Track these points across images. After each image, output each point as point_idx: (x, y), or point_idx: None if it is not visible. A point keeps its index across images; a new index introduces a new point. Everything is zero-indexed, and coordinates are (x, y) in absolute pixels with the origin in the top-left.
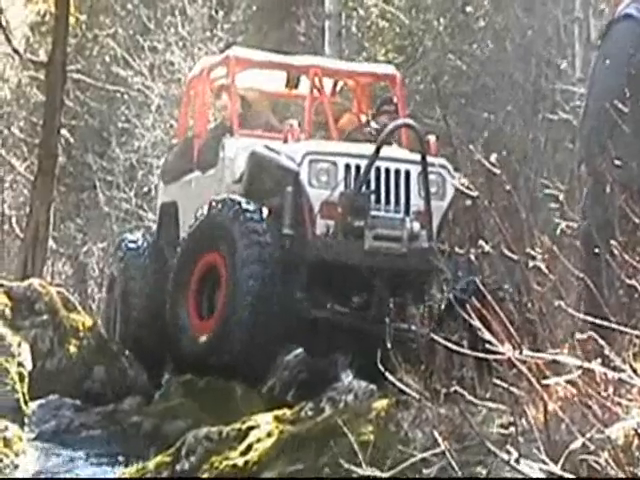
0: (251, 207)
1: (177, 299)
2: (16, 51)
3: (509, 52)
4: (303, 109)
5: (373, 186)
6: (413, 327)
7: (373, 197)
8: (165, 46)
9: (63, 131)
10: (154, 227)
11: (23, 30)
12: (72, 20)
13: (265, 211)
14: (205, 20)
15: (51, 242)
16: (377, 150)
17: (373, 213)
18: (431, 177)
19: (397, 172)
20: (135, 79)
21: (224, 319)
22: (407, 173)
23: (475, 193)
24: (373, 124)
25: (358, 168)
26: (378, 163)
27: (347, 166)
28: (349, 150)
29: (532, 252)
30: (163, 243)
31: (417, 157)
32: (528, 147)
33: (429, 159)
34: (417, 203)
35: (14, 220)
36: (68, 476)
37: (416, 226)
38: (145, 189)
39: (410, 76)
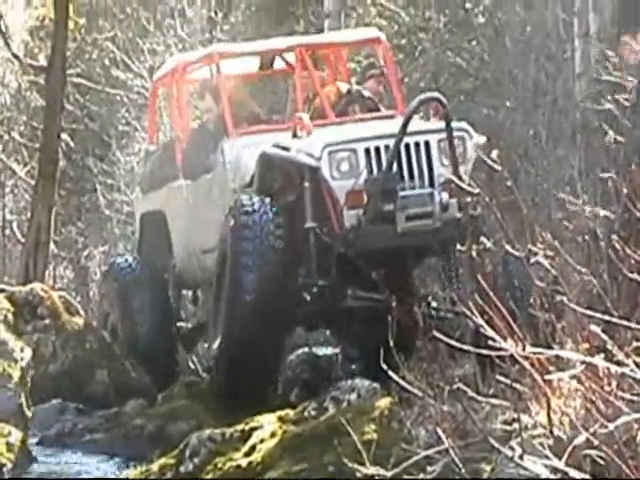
0: (249, 202)
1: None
2: (16, 56)
3: (509, 48)
4: (288, 88)
5: (396, 165)
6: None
7: (398, 176)
8: (165, 48)
9: (63, 135)
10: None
11: (22, 35)
12: (71, 24)
13: (267, 204)
14: (204, 22)
15: (52, 246)
16: (404, 128)
17: (402, 194)
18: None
19: (417, 145)
20: (135, 82)
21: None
22: (427, 144)
23: (476, 190)
24: (356, 87)
25: (378, 150)
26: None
27: (367, 150)
28: (366, 133)
29: (534, 248)
30: (152, 256)
31: (434, 125)
32: (529, 143)
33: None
34: (441, 172)
35: (15, 225)
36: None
37: (445, 197)
38: None
39: (410, 74)
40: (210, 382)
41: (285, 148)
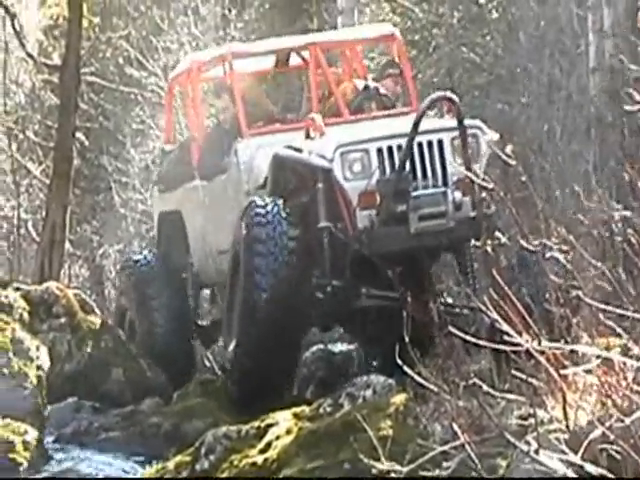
0: (262, 211)
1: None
2: (30, 55)
3: (522, 43)
4: (303, 86)
5: (408, 164)
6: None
7: (410, 176)
8: (178, 46)
9: (78, 134)
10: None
11: (36, 34)
12: (85, 23)
13: (281, 212)
14: (218, 19)
15: (67, 245)
16: (415, 127)
17: (414, 194)
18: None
19: (430, 143)
20: (149, 80)
21: (240, 323)
22: (440, 142)
23: (491, 185)
24: (372, 84)
25: (390, 150)
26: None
27: (379, 150)
28: (378, 133)
29: (549, 242)
30: (170, 255)
31: (446, 123)
32: (543, 138)
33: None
34: (454, 171)
35: (30, 224)
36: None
37: (458, 196)
38: None
39: (424, 70)
40: (225, 388)
41: (297, 149)
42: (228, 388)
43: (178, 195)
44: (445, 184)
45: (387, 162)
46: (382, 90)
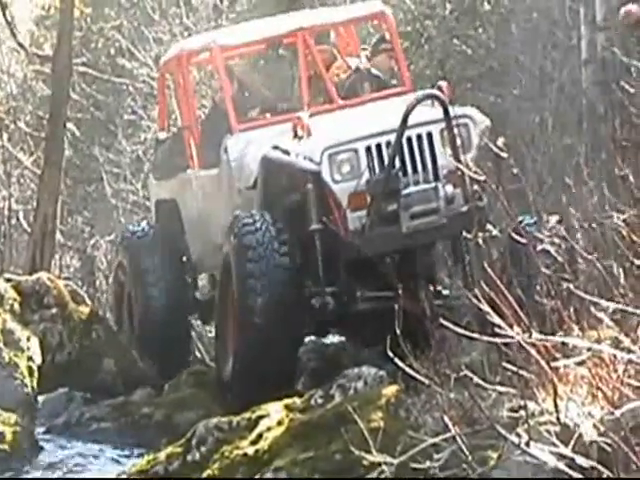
0: (250, 220)
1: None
2: (21, 45)
3: (515, 35)
4: (293, 73)
5: (398, 160)
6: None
7: (400, 172)
8: (170, 37)
9: (69, 124)
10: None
11: (28, 24)
12: (77, 13)
13: (269, 222)
14: (210, 10)
15: (59, 235)
16: (403, 125)
17: (405, 192)
18: (454, 131)
19: (419, 137)
20: (141, 71)
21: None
22: (429, 135)
23: (482, 177)
24: (363, 65)
25: (379, 147)
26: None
27: (368, 149)
28: (366, 131)
29: (540, 235)
30: (168, 239)
31: (435, 114)
32: (535, 130)
33: (452, 112)
34: (445, 163)
35: (21, 214)
36: (79, 469)
37: (449, 189)
38: None
39: (416, 61)
40: (224, 401)
41: (286, 152)
42: (227, 398)
43: (173, 184)
44: (436, 178)
45: (376, 160)
46: (374, 71)
